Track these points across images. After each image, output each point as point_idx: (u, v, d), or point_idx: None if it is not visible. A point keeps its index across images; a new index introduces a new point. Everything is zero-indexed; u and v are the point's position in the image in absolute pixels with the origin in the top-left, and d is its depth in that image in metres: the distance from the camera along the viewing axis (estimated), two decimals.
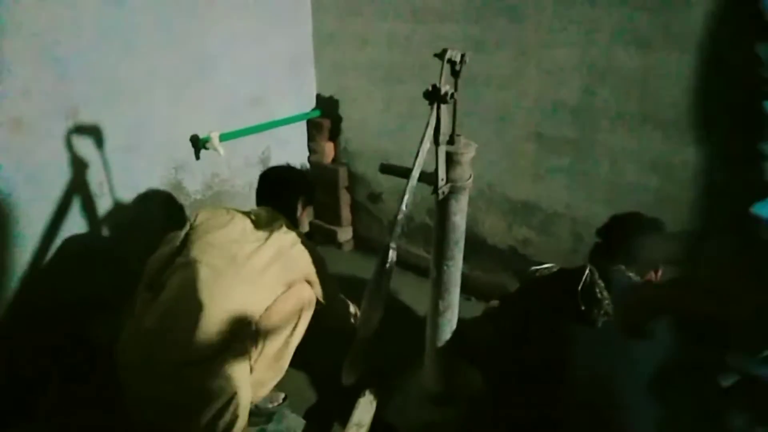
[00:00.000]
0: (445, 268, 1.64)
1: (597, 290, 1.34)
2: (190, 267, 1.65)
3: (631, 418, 1.25)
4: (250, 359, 1.66)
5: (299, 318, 1.78)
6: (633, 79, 1.91)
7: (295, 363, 1.86)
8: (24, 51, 1.84)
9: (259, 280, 1.67)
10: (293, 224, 1.91)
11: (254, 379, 1.71)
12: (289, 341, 1.77)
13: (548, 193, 2.30)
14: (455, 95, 1.34)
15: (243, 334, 1.62)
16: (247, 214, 1.82)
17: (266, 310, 1.70)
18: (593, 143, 2.08)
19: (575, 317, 1.36)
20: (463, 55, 1.36)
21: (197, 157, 2.51)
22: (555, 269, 1.87)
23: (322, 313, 1.92)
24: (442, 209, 1.56)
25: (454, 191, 1.50)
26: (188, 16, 2.30)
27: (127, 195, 2.30)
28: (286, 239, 1.77)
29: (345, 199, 3.11)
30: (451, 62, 1.35)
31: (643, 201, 1.96)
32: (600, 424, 1.28)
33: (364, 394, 1.90)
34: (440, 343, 1.77)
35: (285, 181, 2.04)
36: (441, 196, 1.47)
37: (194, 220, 1.80)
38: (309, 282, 1.85)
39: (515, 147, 2.32)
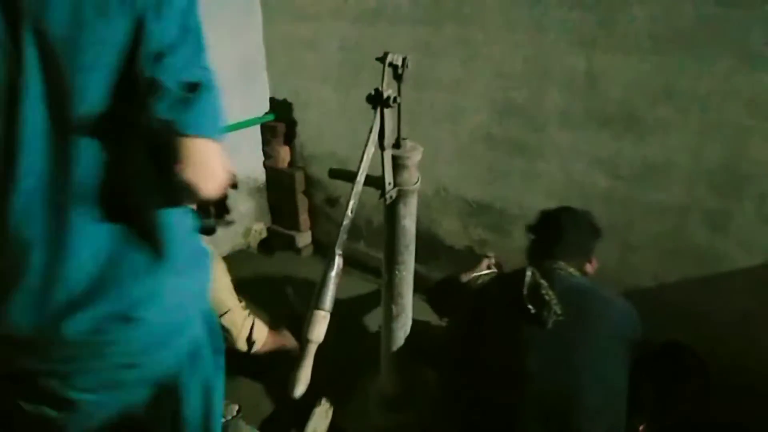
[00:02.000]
0: (396, 272, 1.63)
1: (542, 291, 1.34)
2: None
3: (588, 421, 1.26)
4: None
5: None
6: (579, 79, 1.94)
7: (248, 374, 1.82)
8: None
9: None
10: None
11: None
12: None
13: (502, 194, 2.32)
14: (398, 99, 1.33)
15: None
16: None
17: None
18: (543, 143, 2.11)
19: (526, 320, 1.35)
20: (404, 59, 1.34)
21: None
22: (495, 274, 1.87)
23: None
24: (390, 214, 1.55)
25: (402, 195, 1.49)
26: None
27: None
28: None
29: (303, 203, 3.07)
30: (393, 66, 1.34)
31: (591, 198, 1.99)
32: (557, 427, 1.28)
33: (320, 404, 1.87)
34: (395, 348, 1.76)
35: None
36: (389, 201, 1.46)
37: None
38: None
39: (468, 149, 2.33)
